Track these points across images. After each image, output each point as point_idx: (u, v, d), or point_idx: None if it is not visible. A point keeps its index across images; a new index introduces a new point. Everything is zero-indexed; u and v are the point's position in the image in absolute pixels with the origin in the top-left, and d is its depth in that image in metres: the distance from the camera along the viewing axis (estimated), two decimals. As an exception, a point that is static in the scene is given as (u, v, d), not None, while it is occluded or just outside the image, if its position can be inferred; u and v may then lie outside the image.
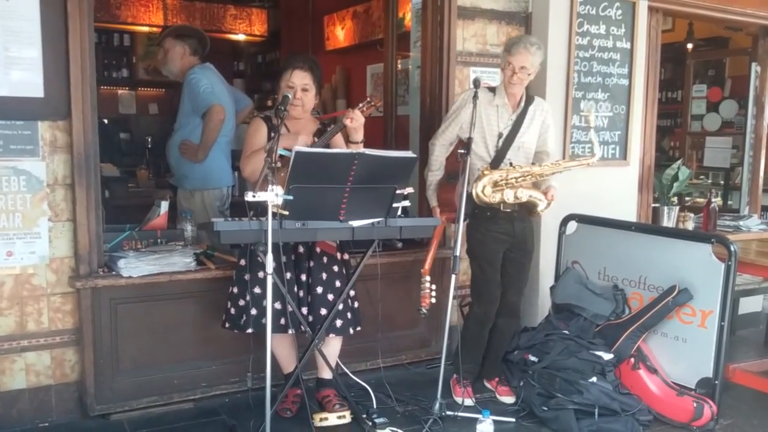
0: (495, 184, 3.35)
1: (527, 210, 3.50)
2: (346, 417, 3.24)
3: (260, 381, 2.89)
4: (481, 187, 3.34)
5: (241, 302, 3.18)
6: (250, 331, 3.12)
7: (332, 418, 3.21)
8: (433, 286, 3.63)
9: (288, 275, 3.13)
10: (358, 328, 3.35)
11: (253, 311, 3.11)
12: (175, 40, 4.17)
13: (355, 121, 3.14)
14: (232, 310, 3.22)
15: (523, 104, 3.51)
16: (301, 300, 3.18)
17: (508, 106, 3.50)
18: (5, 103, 3.03)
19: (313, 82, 3.25)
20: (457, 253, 3.24)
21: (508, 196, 3.36)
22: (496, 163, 3.47)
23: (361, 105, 3.21)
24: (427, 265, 3.66)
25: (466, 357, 3.60)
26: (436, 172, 3.63)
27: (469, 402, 3.51)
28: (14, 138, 3.08)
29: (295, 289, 3.16)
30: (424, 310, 3.60)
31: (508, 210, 3.47)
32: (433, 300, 3.63)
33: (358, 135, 3.17)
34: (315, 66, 3.29)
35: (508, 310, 3.68)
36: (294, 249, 3.19)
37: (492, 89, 3.56)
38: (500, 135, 3.48)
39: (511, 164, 3.42)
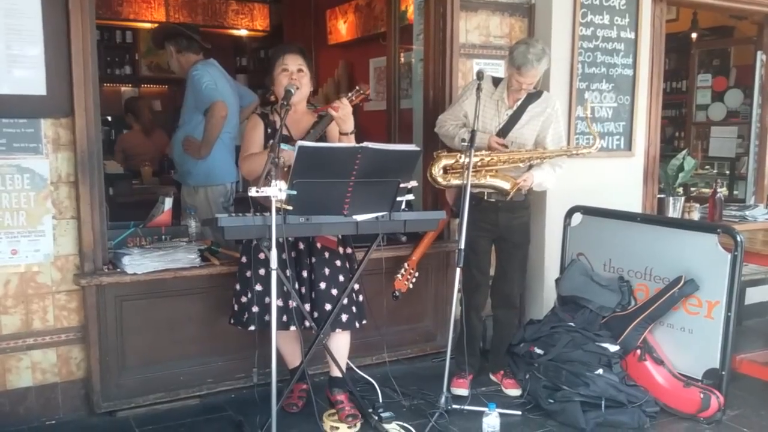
0: (452, 168, 3.34)
1: (501, 194, 3.47)
2: (357, 426, 3.20)
3: (266, 376, 2.89)
4: (435, 171, 3.39)
5: (243, 299, 3.17)
6: (252, 328, 3.10)
7: (343, 429, 3.16)
8: (416, 274, 3.67)
9: (288, 272, 3.10)
10: (364, 322, 3.33)
11: (255, 308, 3.08)
12: (165, 42, 4.23)
13: (341, 109, 3.04)
14: (236, 307, 3.22)
15: (520, 102, 3.49)
16: (303, 297, 3.14)
17: (506, 101, 3.49)
18: (8, 101, 3.03)
19: (305, 65, 3.18)
20: (461, 247, 3.23)
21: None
22: None
23: (349, 94, 3.15)
24: (416, 257, 3.70)
25: (460, 346, 3.55)
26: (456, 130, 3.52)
27: (463, 392, 3.49)
28: (17, 136, 3.08)
29: (297, 285, 3.14)
30: (397, 293, 3.67)
31: (492, 200, 3.51)
32: (411, 285, 3.69)
33: (348, 125, 3.09)
34: (304, 50, 3.25)
35: (503, 301, 3.71)
36: (294, 246, 3.17)
37: (497, 81, 3.55)
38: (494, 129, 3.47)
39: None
